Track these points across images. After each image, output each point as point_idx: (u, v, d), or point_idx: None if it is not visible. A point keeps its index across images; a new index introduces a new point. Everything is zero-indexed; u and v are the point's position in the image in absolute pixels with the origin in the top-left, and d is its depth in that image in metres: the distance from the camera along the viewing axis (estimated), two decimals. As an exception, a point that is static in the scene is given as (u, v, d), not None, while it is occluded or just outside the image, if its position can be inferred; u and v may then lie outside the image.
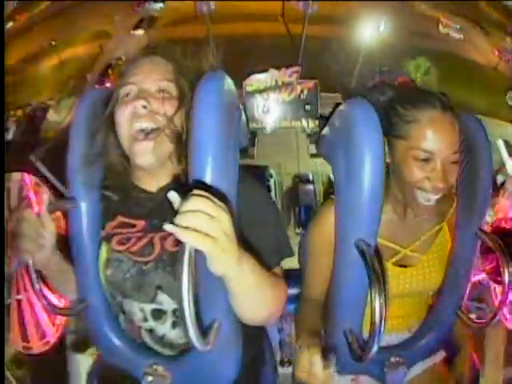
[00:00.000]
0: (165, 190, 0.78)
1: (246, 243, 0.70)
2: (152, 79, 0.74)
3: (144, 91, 0.73)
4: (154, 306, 0.79)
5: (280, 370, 1.30)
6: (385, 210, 0.84)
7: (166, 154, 0.75)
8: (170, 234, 0.48)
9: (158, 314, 0.79)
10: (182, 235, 0.47)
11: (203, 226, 0.48)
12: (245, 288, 0.60)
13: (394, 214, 0.87)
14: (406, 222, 0.88)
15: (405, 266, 0.88)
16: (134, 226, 0.80)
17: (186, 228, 0.47)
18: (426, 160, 0.76)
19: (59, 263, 0.81)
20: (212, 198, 0.50)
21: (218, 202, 0.51)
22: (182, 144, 0.76)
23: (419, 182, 0.78)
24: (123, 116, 0.73)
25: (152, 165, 0.74)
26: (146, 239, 0.78)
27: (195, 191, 0.50)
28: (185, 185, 0.74)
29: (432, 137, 0.75)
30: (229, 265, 0.53)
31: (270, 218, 0.78)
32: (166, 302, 0.78)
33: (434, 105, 0.77)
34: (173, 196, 0.51)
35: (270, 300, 0.70)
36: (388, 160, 0.82)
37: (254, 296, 0.64)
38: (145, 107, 0.71)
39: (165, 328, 0.80)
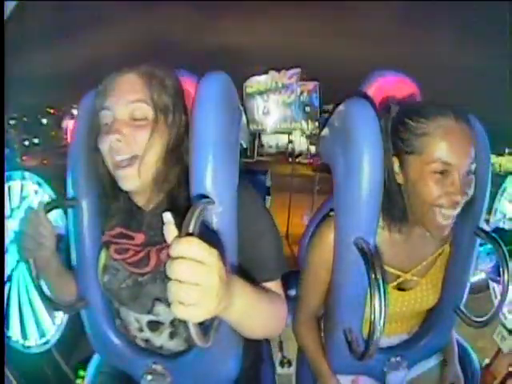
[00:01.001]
0: (158, 207, 0.78)
1: (242, 256, 0.71)
2: (125, 102, 0.72)
3: (118, 121, 0.72)
4: (150, 317, 0.78)
5: (280, 370, 1.30)
6: (388, 230, 0.83)
7: (151, 176, 0.74)
8: (166, 247, 0.47)
9: (155, 326, 0.79)
10: (174, 312, 0.46)
11: (188, 300, 0.45)
12: (236, 318, 0.59)
13: (396, 235, 0.84)
14: (410, 244, 0.86)
15: (403, 290, 0.87)
16: (132, 238, 0.79)
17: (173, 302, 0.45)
18: (444, 173, 0.73)
19: (60, 262, 0.82)
20: (197, 257, 0.45)
21: (205, 258, 0.46)
22: (170, 163, 0.75)
23: (438, 199, 0.74)
24: (103, 148, 0.73)
25: (137, 188, 0.74)
26: (143, 253, 0.78)
27: (180, 249, 0.45)
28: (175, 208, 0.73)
29: (448, 147, 0.71)
30: (212, 314, 0.49)
31: (269, 234, 0.77)
32: (163, 313, 0.77)
33: (447, 114, 0.73)
34: (167, 217, 0.48)
35: (267, 320, 0.69)
36: (400, 181, 0.79)
37: (246, 322, 0.63)
38: (119, 140, 0.71)
39: (162, 339, 0.80)
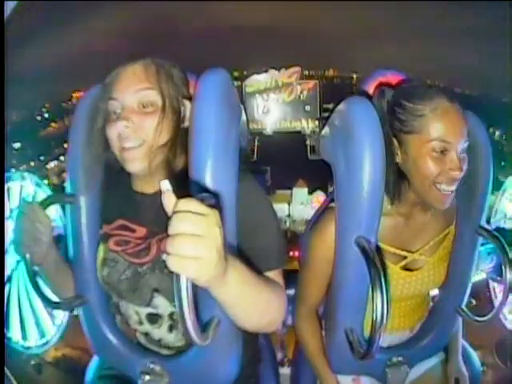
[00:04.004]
0: (160, 196, 0.77)
1: (243, 246, 0.70)
2: (133, 91, 0.73)
3: (126, 109, 0.72)
4: (149, 309, 0.78)
5: (280, 369, 1.29)
6: (390, 212, 0.84)
7: (158, 160, 0.74)
8: (166, 237, 0.46)
9: (154, 318, 0.79)
10: (170, 266, 0.45)
11: (189, 252, 0.45)
12: (229, 299, 0.58)
13: (399, 216, 0.85)
14: (413, 224, 0.87)
15: (411, 270, 0.87)
16: (134, 230, 0.79)
17: (173, 255, 0.45)
18: (443, 151, 0.76)
19: (57, 258, 0.81)
20: (197, 210, 0.46)
21: (205, 211, 0.46)
22: (175, 148, 0.75)
23: (437, 177, 0.77)
24: (111, 135, 0.74)
25: (143, 170, 0.74)
26: (144, 245, 0.78)
27: (179, 206, 0.46)
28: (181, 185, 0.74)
29: (446, 127, 0.75)
30: (212, 278, 0.49)
31: (270, 222, 0.77)
32: (162, 306, 0.77)
33: (441, 96, 0.77)
34: (165, 184, 0.48)
35: (265, 309, 0.67)
36: (398, 160, 0.81)
37: (241, 306, 0.61)
38: (127, 127, 0.71)
39: (161, 332, 0.80)
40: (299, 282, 0.94)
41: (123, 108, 0.73)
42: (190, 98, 0.78)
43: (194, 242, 0.45)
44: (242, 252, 0.70)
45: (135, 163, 0.73)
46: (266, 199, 0.79)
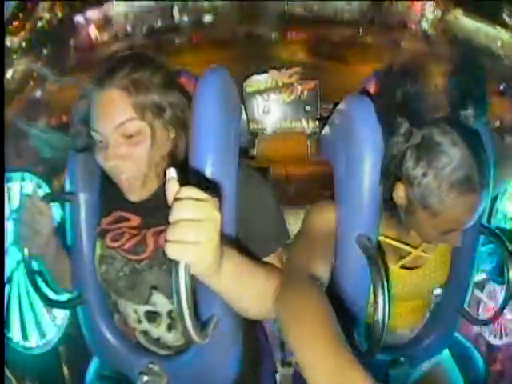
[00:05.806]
0: (160, 192, 0.77)
1: (242, 229, 0.70)
2: (116, 125, 0.68)
3: (112, 145, 0.69)
4: (147, 307, 0.78)
5: (280, 370, 1.29)
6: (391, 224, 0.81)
7: (159, 181, 0.74)
8: (163, 231, 0.47)
9: (153, 317, 0.79)
10: (169, 254, 0.46)
11: (189, 237, 0.45)
12: (225, 288, 0.58)
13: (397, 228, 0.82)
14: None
15: (411, 268, 0.86)
16: (128, 220, 0.79)
17: (173, 242, 0.45)
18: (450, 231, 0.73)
19: (58, 250, 0.81)
20: (198, 196, 0.46)
21: (205, 197, 0.47)
22: (173, 159, 0.74)
23: (435, 241, 0.77)
24: (104, 166, 0.72)
25: (144, 198, 0.74)
26: (140, 236, 0.77)
27: (180, 193, 0.46)
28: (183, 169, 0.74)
29: (466, 218, 0.70)
30: (208, 266, 0.49)
31: (268, 207, 0.76)
32: (160, 304, 0.77)
33: (475, 189, 0.67)
34: (171, 173, 0.48)
35: (262, 296, 0.65)
36: (399, 202, 0.74)
37: (237, 295, 0.61)
38: (118, 164, 0.70)
39: (160, 331, 0.80)
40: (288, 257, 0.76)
41: (108, 145, 0.69)
42: (183, 90, 0.76)
43: (195, 227, 0.45)
44: (240, 238, 0.70)
45: (134, 194, 0.73)
46: (263, 183, 0.78)
